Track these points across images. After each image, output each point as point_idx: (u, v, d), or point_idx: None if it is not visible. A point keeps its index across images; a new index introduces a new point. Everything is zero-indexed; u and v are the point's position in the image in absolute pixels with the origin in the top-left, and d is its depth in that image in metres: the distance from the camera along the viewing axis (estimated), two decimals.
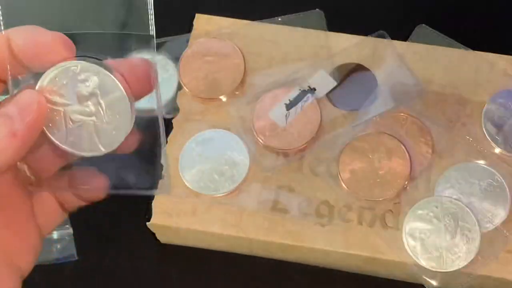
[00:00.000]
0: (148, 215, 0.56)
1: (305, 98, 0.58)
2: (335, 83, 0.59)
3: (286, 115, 0.57)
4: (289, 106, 0.57)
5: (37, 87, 0.36)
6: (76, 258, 0.60)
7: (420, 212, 0.54)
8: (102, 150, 0.36)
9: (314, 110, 0.57)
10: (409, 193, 0.55)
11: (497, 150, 0.56)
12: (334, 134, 0.57)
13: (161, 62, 0.60)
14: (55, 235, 0.60)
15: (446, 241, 0.53)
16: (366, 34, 0.60)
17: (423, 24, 0.61)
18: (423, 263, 0.53)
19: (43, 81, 0.36)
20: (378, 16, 0.66)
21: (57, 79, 0.36)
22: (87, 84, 0.36)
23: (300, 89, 0.58)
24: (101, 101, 0.36)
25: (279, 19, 0.62)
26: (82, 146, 0.36)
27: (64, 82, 0.36)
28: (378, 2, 0.67)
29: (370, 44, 0.60)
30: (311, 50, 0.60)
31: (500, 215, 0.54)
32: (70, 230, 0.60)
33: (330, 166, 0.56)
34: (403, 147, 0.56)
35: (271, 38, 0.61)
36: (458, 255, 0.53)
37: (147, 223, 0.56)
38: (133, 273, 0.59)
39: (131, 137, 0.37)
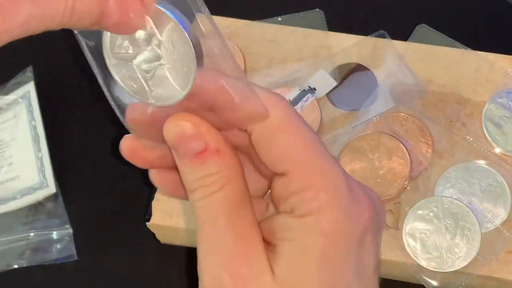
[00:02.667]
0: (148, 215, 0.56)
1: (305, 98, 0.58)
2: (335, 83, 0.59)
3: None
4: None
5: (104, 52, 0.33)
6: (76, 258, 0.60)
7: (420, 212, 0.54)
8: (182, 92, 0.32)
9: (314, 110, 0.57)
10: (409, 193, 0.55)
11: (498, 150, 0.56)
12: (334, 134, 0.57)
13: None
14: (55, 235, 0.60)
15: (446, 241, 0.53)
16: (366, 34, 0.60)
17: (423, 24, 0.61)
18: (423, 263, 0.53)
19: (106, 44, 0.33)
20: (378, 15, 0.66)
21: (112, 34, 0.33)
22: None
23: (300, 89, 0.58)
24: (161, 39, 0.32)
25: (279, 19, 0.62)
26: (164, 95, 0.33)
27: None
28: (378, 2, 0.67)
29: (370, 44, 0.60)
30: (311, 50, 0.60)
31: (500, 215, 0.54)
32: (70, 230, 0.60)
33: None
34: (403, 147, 0.56)
35: (271, 38, 0.61)
36: (458, 255, 0.53)
37: (147, 223, 0.56)
38: (132, 273, 0.59)
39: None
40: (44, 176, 0.61)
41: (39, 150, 0.62)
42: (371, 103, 0.58)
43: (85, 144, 0.63)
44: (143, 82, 0.32)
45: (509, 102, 0.57)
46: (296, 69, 0.59)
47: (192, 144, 0.32)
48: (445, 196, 0.54)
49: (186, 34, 0.31)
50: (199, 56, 0.32)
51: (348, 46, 0.60)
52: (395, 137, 0.56)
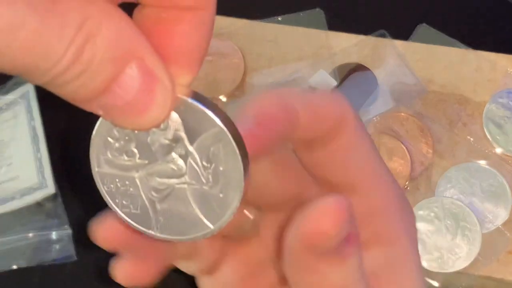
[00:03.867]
0: None
1: None
2: (335, 83, 0.59)
3: None
4: None
5: (92, 152, 0.25)
6: (75, 258, 0.60)
7: (421, 212, 0.54)
8: (211, 227, 0.23)
9: None
10: (410, 193, 0.55)
11: (498, 150, 0.56)
12: None
13: None
14: (54, 235, 0.60)
15: (447, 242, 0.53)
16: (366, 34, 0.60)
17: (424, 24, 0.61)
18: (424, 263, 0.53)
19: (97, 139, 0.24)
20: (378, 15, 0.66)
21: (115, 129, 0.23)
22: (164, 126, 0.23)
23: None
24: (191, 149, 0.23)
25: (279, 18, 0.62)
26: (178, 226, 0.24)
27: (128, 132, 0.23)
28: (379, 2, 0.67)
29: (371, 43, 0.60)
30: (311, 50, 0.60)
31: (501, 215, 0.54)
32: (69, 231, 0.60)
33: None
34: (404, 147, 0.56)
35: (271, 38, 0.61)
36: (459, 255, 0.53)
37: None
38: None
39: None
40: (43, 177, 0.61)
41: (38, 150, 0.62)
42: (371, 103, 0.58)
43: (84, 144, 0.63)
44: (147, 204, 0.24)
45: (510, 102, 0.57)
46: (296, 69, 0.59)
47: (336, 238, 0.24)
48: (445, 197, 0.54)
49: (236, 149, 0.22)
50: (247, 182, 0.23)
51: (348, 46, 0.60)
52: (395, 137, 0.56)
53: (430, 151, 0.56)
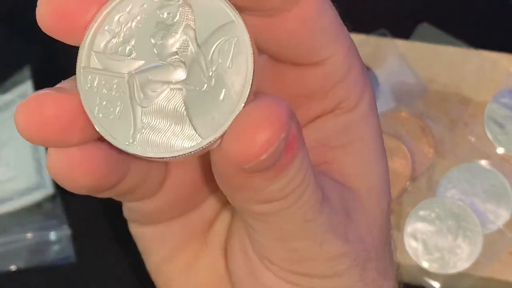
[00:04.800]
0: None
1: None
2: None
3: None
4: None
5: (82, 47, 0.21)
6: (74, 259, 0.59)
7: (421, 213, 0.54)
8: (202, 140, 0.20)
9: None
10: (411, 193, 0.55)
11: (500, 150, 0.56)
12: None
13: None
14: (52, 236, 0.60)
15: (448, 242, 0.53)
16: (367, 33, 0.60)
17: (425, 23, 0.61)
18: (424, 264, 0.52)
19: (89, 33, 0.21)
20: (379, 14, 0.66)
21: (115, 18, 0.21)
22: (166, 16, 0.21)
23: None
24: (195, 47, 0.20)
25: None
26: (163, 140, 0.21)
27: (126, 23, 0.21)
28: (379, 1, 0.67)
29: (371, 43, 0.60)
30: None
31: (503, 216, 0.54)
32: (68, 231, 0.60)
33: None
34: (404, 147, 0.56)
35: None
36: (460, 256, 0.52)
37: None
38: (132, 274, 0.59)
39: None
40: (41, 177, 0.61)
41: (37, 150, 0.61)
42: None
43: None
44: (131, 110, 0.21)
45: None
46: None
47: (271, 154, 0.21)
48: (447, 197, 0.54)
49: (249, 46, 0.20)
50: (251, 91, 0.21)
51: None
52: (396, 137, 0.56)
53: (431, 151, 0.56)
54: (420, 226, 0.53)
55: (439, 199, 0.54)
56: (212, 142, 0.20)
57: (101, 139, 0.21)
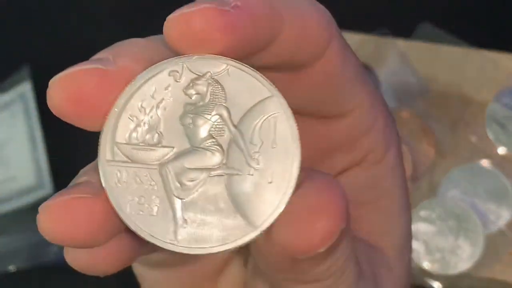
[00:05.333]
0: None
1: None
2: None
3: None
4: None
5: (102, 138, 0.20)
6: None
7: (422, 213, 0.53)
8: (253, 231, 0.19)
9: None
10: (412, 194, 0.55)
11: (501, 150, 0.56)
12: None
13: None
14: None
15: (449, 243, 0.53)
16: (368, 32, 0.60)
17: (426, 22, 0.61)
18: (425, 265, 0.52)
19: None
20: (380, 14, 0.65)
21: (138, 103, 0.19)
22: (195, 97, 0.19)
23: None
24: (232, 127, 0.19)
25: None
26: (207, 234, 0.19)
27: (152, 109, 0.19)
28: (380, 0, 0.67)
29: (372, 42, 0.60)
30: None
31: (504, 216, 0.54)
32: None
33: None
34: (405, 147, 0.56)
35: None
36: (461, 257, 0.52)
37: None
38: (131, 275, 0.59)
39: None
40: (41, 177, 0.60)
41: (36, 150, 0.61)
42: None
43: (83, 144, 0.63)
44: (169, 204, 0.19)
45: None
46: None
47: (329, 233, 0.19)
48: (448, 197, 0.54)
49: (293, 122, 0.19)
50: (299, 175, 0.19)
51: (350, 44, 0.59)
52: None
53: (432, 151, 0.56)
54: (421, 226, 0.53)
55: (440, 199, 0.54)
56: (264, 231, 0.19)
57: (126, 230, 0.20)
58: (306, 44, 0.21)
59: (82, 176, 0.21)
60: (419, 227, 0.53)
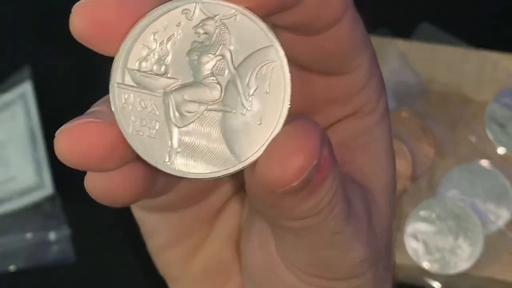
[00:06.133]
0: None
1: None
2: None
3: None
4: None
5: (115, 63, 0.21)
6: (74, 259, 0.59)
7: (422, 213, 0.54)
8: (238, 161, 0.21)
9: None
10: (411, 194, 0.55)
11: (501, 150, 0.56)
12: None
13: None
14: (52, 236, 0.60)
15: (448, 243, 0.53)
16: (367, 32, 0.60)
17: (426, 22, 0.61)
18: (425, 265, 0.52)
19: (125, 48, 0.21)
20: (379, 14, 0.65)
21: (151, 35, 0.21)
22: (203, 36, 0.21)
23: None
24: (233, 69, 0.21)
25: None
26: (198, 160, 0.21)
27: (163, 41, 0.21)
28: (380, 0, 0.67)
29: (372, 42, 0.59)
30: None
31: (504, 216, 0.54)
32: (68, 232, 0.60)
33: None
34: (405, 147, 0.56)
35: None
36: (461, 257, 0.52)
37: None
38: (131, 275, 0.59)
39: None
40: (41, 177, 0.60)
41: (36, 150, 0.61)
42: None
43: None
44: (167, 129, 0.21)
45: None
46: None
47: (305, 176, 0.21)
48: (447, 197, 0.54)
49: (287, 72, 0.21)
50: (289, 111, 0.21)
51: None
52: (396, 137, 0.56)
53: (432, 151, 0.56)
54: (420, 226, 0.53)
55: (440, 199, 0.54)
56: (247, 165, 0.21)
57: (137, 158, 0.22)
58: (326, 10, 0.23)
59: (95, 107, 0.23)
60: (418, 227, 0.53)
